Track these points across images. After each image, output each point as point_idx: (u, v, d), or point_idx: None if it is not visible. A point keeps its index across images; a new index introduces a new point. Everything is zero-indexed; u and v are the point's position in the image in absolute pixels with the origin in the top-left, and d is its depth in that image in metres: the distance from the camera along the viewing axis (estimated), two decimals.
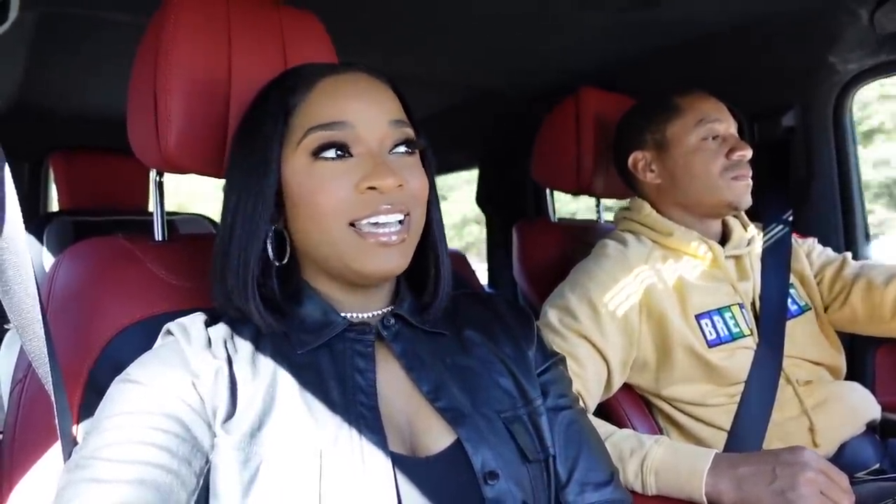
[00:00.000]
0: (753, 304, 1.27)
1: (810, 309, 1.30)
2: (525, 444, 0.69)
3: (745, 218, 1.36)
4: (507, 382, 0.74)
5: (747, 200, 1.25)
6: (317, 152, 0.68)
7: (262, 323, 0.69)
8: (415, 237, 0.72)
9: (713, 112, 1.26)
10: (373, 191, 0.67)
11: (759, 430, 1.14)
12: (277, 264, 0.72)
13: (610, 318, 1.17)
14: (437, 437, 0.68)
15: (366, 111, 0.69)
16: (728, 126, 1.27)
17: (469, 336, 0.78)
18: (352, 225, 0.67)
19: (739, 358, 1.19)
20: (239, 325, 0.71)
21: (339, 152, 0.68)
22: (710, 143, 1.25)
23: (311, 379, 0.67)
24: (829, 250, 1.41)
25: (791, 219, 1.39)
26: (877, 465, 1.19)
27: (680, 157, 1.27)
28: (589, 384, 1.14)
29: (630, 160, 1.34)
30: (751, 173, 1.25)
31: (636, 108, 1.39)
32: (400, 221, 0.68)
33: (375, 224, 0.67)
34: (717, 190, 1.24)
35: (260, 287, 0.70)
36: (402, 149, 0.71)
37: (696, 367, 1.17)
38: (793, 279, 1.32)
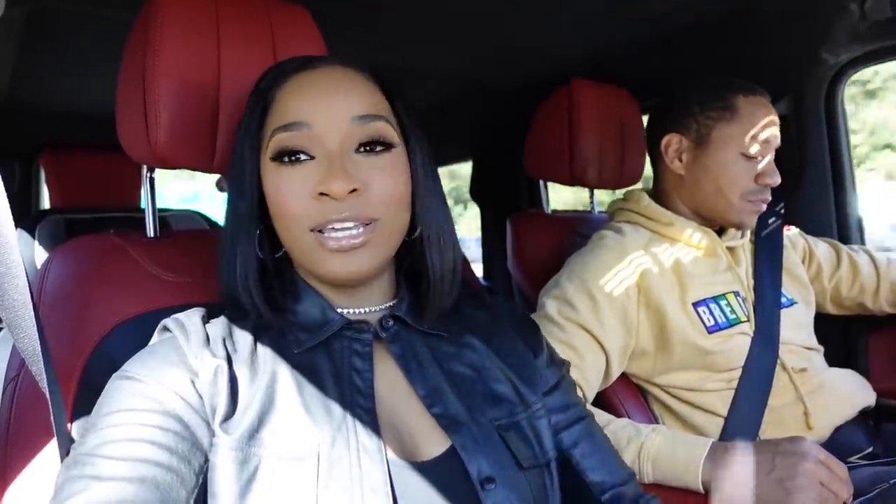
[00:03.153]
0: (748, 292, 1.27)
1: (797, 303, 1.31)
2: (519, 451, 0.68)
3: None
4: (504, 388, 0.73)
5: (753, 224, 1.26)
6: (276, 157, 0.67)
7: (262, 316, 0.69)
8: (387, 239, 0.68)
9: (765, 128, 1.21)
10: (325, 196, 0.64)
11: (756, 416, 1.15)
12: (268, 258, 0.71)
13: (608, 307, 1.17)
14: (434, 441, 0.67)
15: (326, 109, 0.66)
16: (771, 148, 1.23)
17: (468, 341, 0.76)
18: (313, 231, 0.66)
19: (737, 343, 1.19)
20: (236, 323, 0.70)
21: (294, 157, 0.66)
22: (747, 161, 1.21)
23: (310, 379, 0.67)
24: (813, 237, 1.45)
25: (782, 210, 1.40)
26: (870, 450, 1.20)
27: (713, 162, 1.23)
28: (588, 374, 1.14)
29: (664, 140, 1.29)
30: (769, 200, 1.24)
31: (692, 88, 1.28)
32: (355, 225, 0.65)
33: (333, 229, 0.65)
34: (732, 208, 1.23)
35: (262, 283, 0.70)
36: (368, 147, 0.67)
37: (695, 353, 1.18)
38: None
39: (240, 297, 0.69)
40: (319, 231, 0.66)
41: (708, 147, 1.23)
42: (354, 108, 0.67)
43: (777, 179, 1.22)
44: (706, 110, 1.24)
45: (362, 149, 0.67)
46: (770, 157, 1.23)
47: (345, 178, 0.64)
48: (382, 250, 0.69)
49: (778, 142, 1.25)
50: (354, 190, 0.65)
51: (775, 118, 1.23)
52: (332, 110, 0.67)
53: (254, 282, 0.69)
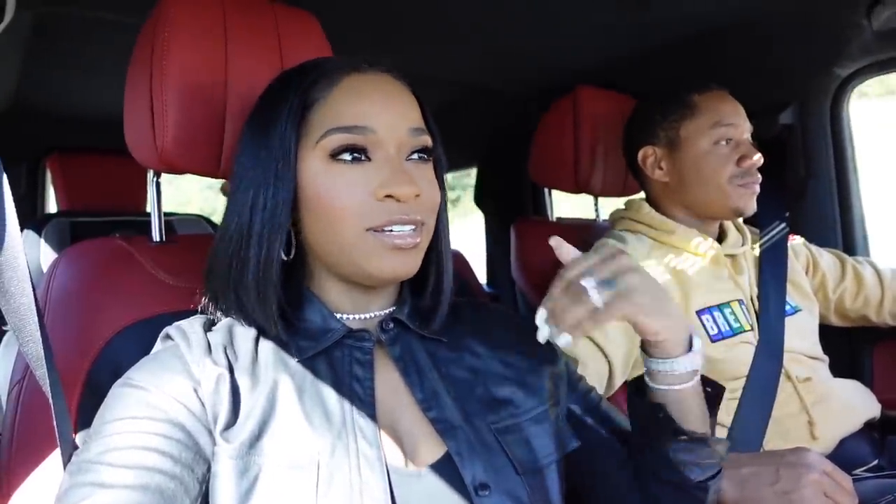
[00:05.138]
0: (752, 300, 1.27)
1: (801, 310, 1.31)
2: (516, 455, 0.68)
3: (739, 220, 1.37)
4: (505, 392, 0.73)
5: (752, 207, 1.26)
6: (334, 154, 0.67)
7: (271, 328, 0.68)
8: (426, 242, 0.71)
9: (729, 115, 1.25)
10: (390, 199, 0.66)
11: (760, 426, 1.14)
12: (286, 259, 0.70)
13: None
14: (431, 446, 0.67)
15: (388, 116, 0.68)
16: (742, 131, 1.26)
17: (468, 345, 0.77)
18: (369, 230, 0.67)
19: (740, 352, 1.19)
20: (237, 331, 0.70)
21: (356, 155, 0.67)
22: (723, 148, 1.24)
23: (310, 387, 0.67)
24: (818, 248, 1.44)
25: (787, 217, 1.40)
26: (875, 462, 1.19)
27: (690, 158, 1.26)
28: (591, 383, 1.13)
29: (640, 154, 1.33)
30: (759, 180, 1.25)
31: (652, 100, 1.35)
32: (413, 228, 0.68)
33: (391, 230, 0.67)
34: (724, 196, 1.24)
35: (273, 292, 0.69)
36: (418, 156, 0.70)
37: None
38: None
39: (253, 310, 0.68)
40: (376, 230, 0.67)
41: (681, 147, 1.27)
42: (410, 120, 0.70)
43: (759, 160, 1.23)
44: (668, 115, 1.29)
45: (412, 157, 0.70)
46: (745, 137, 1.26)
47: (411, 183, 0.66)
48: (422, 254, 0.71)
49: (748, 125, 1.27)
50: (418, 195, 0.67)
51: (738, 106, 1.27)
52: (391, 118, 0.68)
53: (272, 289, 0.68)
